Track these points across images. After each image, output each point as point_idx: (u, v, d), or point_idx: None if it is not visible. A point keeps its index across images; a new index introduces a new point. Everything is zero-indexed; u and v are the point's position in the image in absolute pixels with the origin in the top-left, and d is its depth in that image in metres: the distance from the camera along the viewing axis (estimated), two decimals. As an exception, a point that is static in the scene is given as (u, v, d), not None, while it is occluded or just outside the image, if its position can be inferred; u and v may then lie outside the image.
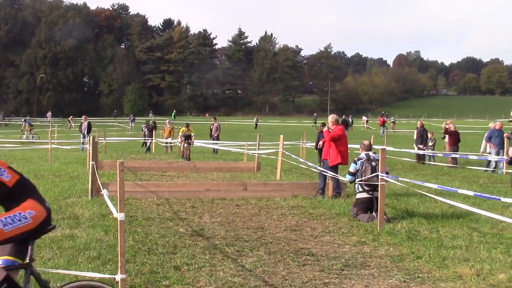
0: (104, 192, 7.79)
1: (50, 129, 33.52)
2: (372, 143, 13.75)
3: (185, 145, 26.11)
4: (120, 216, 5.86)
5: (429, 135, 25.82)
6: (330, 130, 14.37)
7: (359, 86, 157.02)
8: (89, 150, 16.74)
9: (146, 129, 34.19)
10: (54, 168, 20.72)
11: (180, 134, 27.39)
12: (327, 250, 8.69)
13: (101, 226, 9.88)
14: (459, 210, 10.90)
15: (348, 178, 11.83)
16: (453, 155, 22.84)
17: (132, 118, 73.92)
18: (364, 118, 71.15)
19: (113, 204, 7.00)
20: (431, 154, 24.43)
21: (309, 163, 18.25)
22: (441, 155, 23.82)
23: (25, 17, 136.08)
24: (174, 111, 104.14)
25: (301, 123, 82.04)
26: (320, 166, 15.79)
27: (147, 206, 12.44)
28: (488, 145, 22.14)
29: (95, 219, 10.61)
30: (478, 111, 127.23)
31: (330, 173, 13.97)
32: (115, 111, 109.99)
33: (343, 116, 57.97)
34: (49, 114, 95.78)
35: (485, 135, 22.38)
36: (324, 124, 26.26)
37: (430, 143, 25.70)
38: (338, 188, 14.21)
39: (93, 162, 13.36)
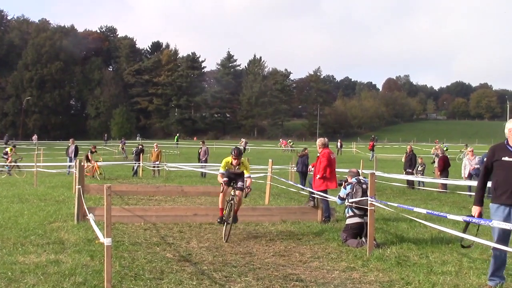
0: (91, 216, 7.69)
1: (36, 152, 33.31)
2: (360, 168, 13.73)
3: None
4: (106, 241, 5.78)
5: (418, 160, 25.89)
6: (318, 153, 14.43)
7: (349, 110, 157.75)
8: (76, 174, 16.60)
9: (134, 153, 34.18)
10: (40, 192, 20.57)
11: None
12: (316, 275, 8.60)
13: (87, 251, 9.75)
14: (448, 235, 10.86)
15: (338, 202, 11.86)
16: (441, 181, 22.91)
17: (123, 141, 73.01)
18: (339, 142, 71.27)
19: (99, 229, 6.91)
20: (420, 180, 24.46)
21: (300, 186, 18.22)
22: (430, 179, 23.83)
23: (11, 39, 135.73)
24: (178, 134, 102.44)
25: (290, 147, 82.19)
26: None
27: (134, 231, 12.32)
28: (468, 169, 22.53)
29: (81, 244, 10.48)
30: (468, 135, 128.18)
31: (320, 195, 13.92)
32: (105, 135, 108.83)
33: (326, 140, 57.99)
34: (35, 137, 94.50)
35: (476, 160, 22.48)
36: (305, 149, 26.57)
37: (419, 168, 25.75)
38: (327, 212, 14.15)
39: (79, 186, 13.23)
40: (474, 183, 21.66)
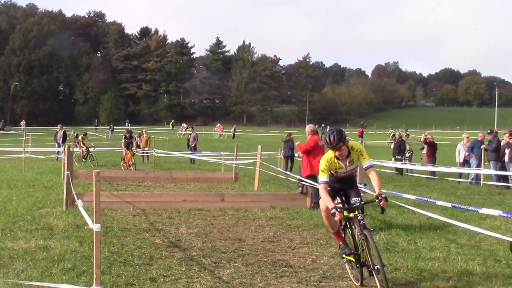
0: (79, 202, 7.66)
1: (24, 138, 33.17)
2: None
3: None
4: (96, 227, 5.76)
5: (407, 147, 25.93)
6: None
7: (338, 96, 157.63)
8: (64, 159, 16.53)
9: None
10: (28, 178, 20.48)
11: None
12: (305, 261, 8.63)
13: (76, 237, 9.75)
14: (437, 221, 10.91)
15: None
16: (431, 168, 22.97)
17: (111, 127, 73.16)
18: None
19: (88, 215, 6.88)
20: (411, 167, 24.50)
21: (289, 173, 18.23)
22: (420, 167, 23.87)
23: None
24: (173, 120, 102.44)
25: (278, 133, 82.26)
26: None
27: (123, 217, 12.30)
28: (462, 154, 22.53)
29: (70, 230, 10.47)
30: (456, 122, 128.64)
31: (308, 182, 13.95)
32: (96, 120, 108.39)
33: (316, 126, 58.26)
34: (23, 122, 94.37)
35: (467, 146, 22.56)
36: (290, 134, 26.77)
37: (407, 154, 25.81)
38: (316, 198, 14.16)
39: (68, 172, 13.18)
40: (466, 170, 21.97)
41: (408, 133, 63.37)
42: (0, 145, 42.37)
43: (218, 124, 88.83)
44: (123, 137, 27.39)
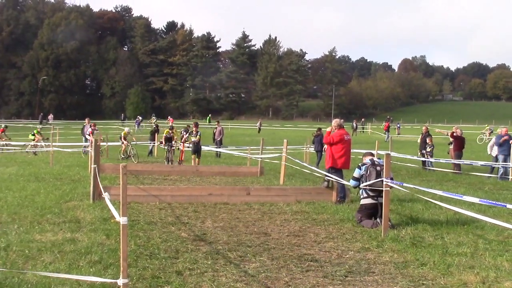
0: (106, 195, 7.71)
1: (52, 131, 33.48)
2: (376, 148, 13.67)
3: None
4: (122, 220, 5.79)
5: (427, 141, 25.53)
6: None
7: (364, 90, 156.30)
8: (91, 153, 16.65)
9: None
10: (55, 171, 20.69)
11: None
12: (331, 256, 8.61)
13: (102, 230, 9.82)
14: (464, 217, 10.82)
15: (352, 183, 11.74)
16: (456, 162, 22.70)
17: (138, 120, 71.98)
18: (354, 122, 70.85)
19: (115, 208, 6.93)
20: (431, 160, 24.23)
21: (314, 167, 18.17)
22: (444, 161, 23.62)
23: (27, 19, 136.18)
24: (210, 115, 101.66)
25: (303, 127, 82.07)
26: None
27: (149, 210, 12.37)
28: (495, 148, 22.12)
29: (97, 223, 10.55)
30: (484, 116, 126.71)
31: (334, 177, 13.91)
32: (122, 114, 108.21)
33: (342, 120, 58.18)
34: (50, 116, 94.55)
35: (493, 140, 22.28)
36: (320, 129, 26.84)
37: (428, 149, 25.43)
38: (342, 192, 14.13)
39: (95, 165, 13.27)
40: (489, 164, 21.67)
41: (491, 129, 55.93)
42: (28, 140, 42.87)
43: (169, 117, 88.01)
44: (184, 131, 27.65)
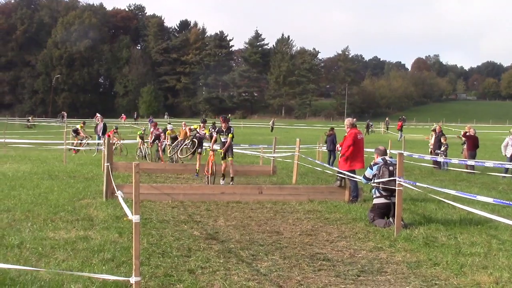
0: (119, 193, 7.73)
1: (65, 129, 33.59)
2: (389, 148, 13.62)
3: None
4: (135, 218, 5.81)
5: (442, 140, 25.42)
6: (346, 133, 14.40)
7: (377, 89, 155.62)
8: (104, 151, 16.71)
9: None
10: (69, 169, 20.77)
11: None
12: (343, 255, 8.59)
13: (115, 228, 9.85)
14: (477, 217, 10.76)
15: (363, 181, 11.79)
16: (469, 162, 22.54)
17: (151, 119, 71.42)
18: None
19: (127, 206, 6.95)
20: (445, 160, 24.10)
21: (327, 165, 18.14)
22: (457, 161, 23.50)
23: (41, 17, 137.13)
24: (229, 114, 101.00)
25: (316, 126, 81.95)
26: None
27: (162, 209, 12.40)
28: (510, 149, 21.98)
29: (110, 220, 10.58)
30: (498, 116, 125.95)
31: (347, 175, 13.89)
32: (135, 113, 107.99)
33: (355, 120, 58.06)
34: (63, 114, 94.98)
35: (507, 140, 22.16)
36: (332, 128, 26.76)
37: (442, 148, 25.32)
38: (355, 191, 14.10)
39: (108, 164, 13.31)
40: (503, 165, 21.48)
41: None
42: (42, 137, 43.12)
43: (123, 114, 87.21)
44: (212, 128, 21.51)
